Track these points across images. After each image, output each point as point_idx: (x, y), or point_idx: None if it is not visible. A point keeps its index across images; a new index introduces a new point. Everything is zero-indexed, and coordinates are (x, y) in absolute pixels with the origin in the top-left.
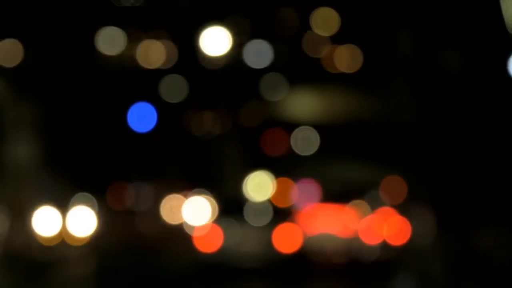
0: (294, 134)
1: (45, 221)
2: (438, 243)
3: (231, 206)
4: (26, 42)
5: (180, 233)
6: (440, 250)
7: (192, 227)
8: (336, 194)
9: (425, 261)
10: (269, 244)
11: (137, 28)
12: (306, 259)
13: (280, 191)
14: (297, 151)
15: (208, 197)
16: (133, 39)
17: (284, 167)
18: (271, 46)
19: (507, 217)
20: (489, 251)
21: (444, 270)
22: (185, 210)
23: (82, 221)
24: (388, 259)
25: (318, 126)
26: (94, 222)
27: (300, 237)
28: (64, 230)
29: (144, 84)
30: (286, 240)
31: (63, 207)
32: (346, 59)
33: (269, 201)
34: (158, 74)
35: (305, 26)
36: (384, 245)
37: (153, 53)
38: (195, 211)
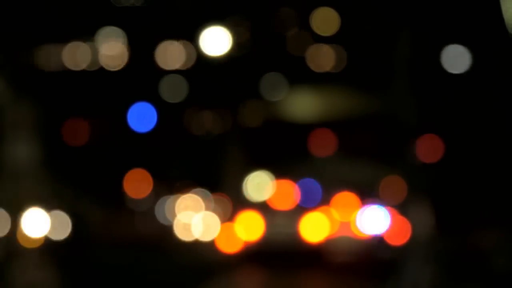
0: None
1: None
2: (437, 243)
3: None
4: (26, 41)
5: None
6: (440, 250)
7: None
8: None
9: (424, 261)
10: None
11: (137, 28)
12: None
13: (281, 191)
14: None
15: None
16: (134, 39)
17: (284, 167)
18: (469, 51)
19: (507, 218)
20: (488, 251)
21: (444, 271)
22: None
23: (36, 222)
24: (387, 259)
25: (318, 126)
26: (47, 224)
27: (324, 227)
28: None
29: (144, 84)
30: (313, 229)
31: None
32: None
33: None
34: (158, 74)
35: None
36: (384, 245)
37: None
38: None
